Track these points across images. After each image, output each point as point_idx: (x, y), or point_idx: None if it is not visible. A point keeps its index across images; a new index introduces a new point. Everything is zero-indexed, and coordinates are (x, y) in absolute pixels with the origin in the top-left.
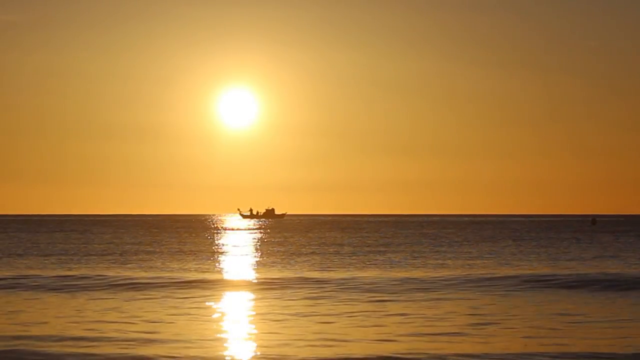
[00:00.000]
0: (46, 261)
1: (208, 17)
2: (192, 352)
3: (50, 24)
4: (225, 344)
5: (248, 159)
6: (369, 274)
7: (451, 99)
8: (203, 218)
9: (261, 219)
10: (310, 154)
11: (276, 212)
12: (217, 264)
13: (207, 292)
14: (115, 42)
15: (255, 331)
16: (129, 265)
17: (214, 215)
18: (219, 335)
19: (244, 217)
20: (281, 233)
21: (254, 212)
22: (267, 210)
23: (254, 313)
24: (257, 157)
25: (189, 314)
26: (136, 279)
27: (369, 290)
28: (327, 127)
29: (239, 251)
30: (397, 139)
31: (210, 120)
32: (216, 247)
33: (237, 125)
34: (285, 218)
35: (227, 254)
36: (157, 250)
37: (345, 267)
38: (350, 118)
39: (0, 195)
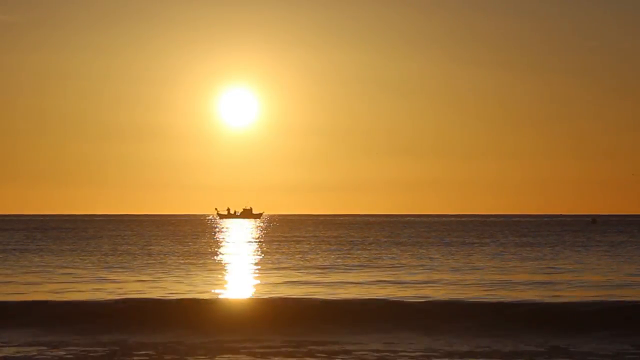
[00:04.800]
0: None
1: (208, 16)
2: None
3: (50, 24)
4: None
5: (248, 159)
6: None
7: (454, 100)
8: (191, 218)
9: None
10: (312, 154)
11: (254, 212)
12: None
13: None
14: (114, 42)
15: None
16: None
17: (203, 215)
18: None
19: (221, 216)
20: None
21: (232, 212)
22: (244, 209)
23: None
24: (257, 157)
25: None
26: None
27: None
28: (328, 127)
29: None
30: (400, 140)
31: (210, 120)
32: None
33: (237, 124)
34: (262, 218)
35: None
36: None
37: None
38: (353, 118)
39: (0, 195)
